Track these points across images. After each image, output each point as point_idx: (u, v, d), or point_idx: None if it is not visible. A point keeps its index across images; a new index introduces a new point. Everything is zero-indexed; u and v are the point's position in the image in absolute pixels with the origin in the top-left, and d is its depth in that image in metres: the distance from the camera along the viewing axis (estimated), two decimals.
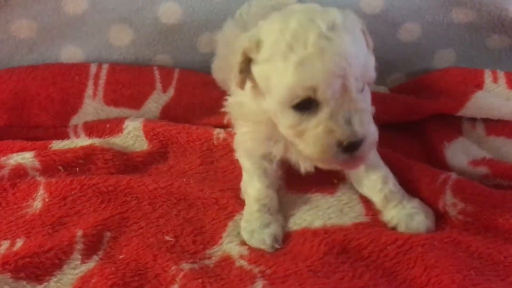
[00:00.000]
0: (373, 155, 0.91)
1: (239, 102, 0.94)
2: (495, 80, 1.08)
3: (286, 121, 0.80)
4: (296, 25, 0.77)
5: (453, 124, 1.07)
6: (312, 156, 0.79)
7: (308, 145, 0.78)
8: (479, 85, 1.08)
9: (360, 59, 0.76)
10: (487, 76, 1.09)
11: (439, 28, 1.21)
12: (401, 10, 1.20)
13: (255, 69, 0.82)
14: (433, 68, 1.25)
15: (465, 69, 1.13)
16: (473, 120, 1.08)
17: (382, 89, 1.23)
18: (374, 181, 0.90)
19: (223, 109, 1.01)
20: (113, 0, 1.16)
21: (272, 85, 0.79)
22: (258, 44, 0.80)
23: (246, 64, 0.82)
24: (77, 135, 1.16)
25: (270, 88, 0.80)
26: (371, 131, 0.78)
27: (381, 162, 0.92)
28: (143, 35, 1.20)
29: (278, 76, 0.77)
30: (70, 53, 1.21)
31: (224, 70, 1.08)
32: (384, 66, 1.28)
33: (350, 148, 0.76)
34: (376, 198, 0.91)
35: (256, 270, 0.82)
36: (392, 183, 0.91)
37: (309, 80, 0.74)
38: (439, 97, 1.07)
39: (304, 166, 0.91)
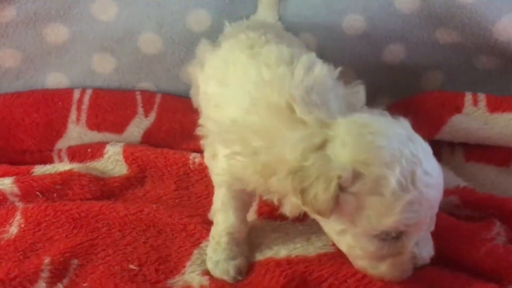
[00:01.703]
0: None
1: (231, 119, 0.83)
2: (475, 103, 1.05)
3: (367, 247, 0.75)
4: (402, 160, 0.70)
5: (432, 150, 1.04)
6: (390, 278, 0.77)
7: (387, 269, 0.76)
8: (458, 109, 1.05)
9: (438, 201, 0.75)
10: (467, 99, 1.06)
11: (424, 49, 1.19)
12: (384, 31, 1.18)
13: (344, 197, 0.71)
14: (420, 90, 1.23)
15: (446, 93, 1.11)
16: (452, 146, 1.05)
17: (379, 112, 1.21)
18: None
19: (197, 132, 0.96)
20: (93, 30, 1.18)
21: (364, 216, 0.72)
22: (356, 176, 0.70)
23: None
24: (60, 159, 1.19)
25: (361, 218, 0.72)
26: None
27: None
28: (126, 63, 1.22)
29: (382, 211, 0.71)
30: (56, 80, 1.23)
31: (195, 90, 1.07)
32: (370, 89, 1.31)
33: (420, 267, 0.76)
34: None
35: None
36: None
37: (415, 218, 0.71)
38: (416, 121, 1.04)
39: (290, 210, 0.80)
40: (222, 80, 0.89)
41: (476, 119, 1.02)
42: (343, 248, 0.79)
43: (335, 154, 0.71)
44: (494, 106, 1.03)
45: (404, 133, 0.74)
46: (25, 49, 1.18)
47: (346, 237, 0.75)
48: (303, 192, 0.72)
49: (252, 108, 0.79)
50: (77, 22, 1.17)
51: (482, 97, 1.06)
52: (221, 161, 0.84)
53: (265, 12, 1.19)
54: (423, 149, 0.73)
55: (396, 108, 1.14)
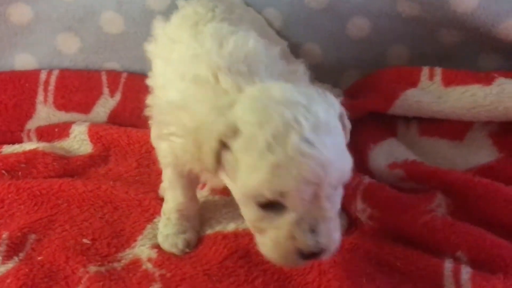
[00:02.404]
0: None
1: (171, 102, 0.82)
2: (431, 77, 1.05)
3: (248, 213, 0.72)
4: (278, 122, 0.67)
5: (387, 126, 1.05)
6: (274, 260, 0.72)
7: (267, 245, 0.71)
8: (414, 83, 1.05)
9: (339, 165, 0.68)
10: (424, 73, 1.06)
11: (387, 22, 1.17)
12: (346, 3, 1.16)
13: (227, 156, 0.71)
14: (387, 66, 1.22)
15: (403, 68, 1.10)
16: (408, 120, 1.05)
17: (337, 92, 1.21)
18: None
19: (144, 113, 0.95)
20: (55, 9, 1.19)
21: (240, 177, 0.70)
22: (235, 132, 0.69)
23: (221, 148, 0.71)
24: (29, 139, 1.21)
25: (237, 178, 0.71)
26: (335, 240, 0.71)
27: None
28: (90, 43, 1.23)
29: (249, 171, 0.68)
30: (24, 61, 1.25)
31: None
32: (336, 64, 1.31)
33: (310, 257, 0.70)
34: None
35: (157, 273, 0.84)
36: None
37: (280, 185, 0.66)
38: (370, 96, 1.05)
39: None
40: (167, 59, 0.89)
41: (430, 93, 1.02)
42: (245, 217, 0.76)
43: (233, 115, 0.70)
44: (449, 80, 1.03)
45: (302, 102, 0.69)
46: None
47: (239, 202, 0.74)
48: (198, 149, 0.72)
49: (183, 86, 0.80)
50: (40, 1, 1.18)
51: (438, 71, 1.06)
52: (164, 142, 0.85)
53: None
54: (317, 121, 0.67)
55: (357, 85, 1.15)
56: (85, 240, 0.92)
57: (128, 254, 0.90)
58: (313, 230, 0.68)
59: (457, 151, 1.00)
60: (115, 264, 0.88)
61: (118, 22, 1.21)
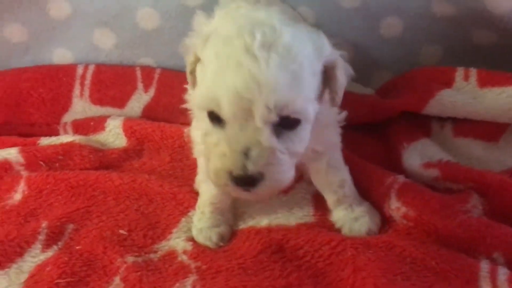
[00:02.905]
0: (337, 156, 0.90)
1: None
2: (466, 78, 1.04)
3: (201, 128, 0.74)
4: (232, 30, 0.68)
5: (421, 126, 1.05)
6: (211, 180, 0.72)
7: (211, 164, 0.70)
8: (448, 83, 1.04)
9: (280, 88, 0.65)
10: (459, 74, 1.06)
11: (422, 22, 1.16)
12: (380, 3, 1.16)
13: (198, 69, 0.74)
14: (419, 66, 1.21)
15: (438, 68, 1.10)
16: (442, 121, 1.05)
17: (368, 91, 1.21)
18: (331, 183, 0.90)
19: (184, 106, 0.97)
20: (93, 5, 1.21)
21: (200, 84, 0.73)
22: (205, 43, 0.72)
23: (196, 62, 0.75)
24: (65, 132, 1.24)
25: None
26: (273, 173, 0.68)
27: (342, 165, 0.91)
28: (125, 39, 1.25)
29: (201, 79, 0.72)
30: (61, 55, 1.28)
31: None
32: (368, 64, 1.31)
33: (241, 182, 0.68)
34: (329, 199, 0.92)
35: (193, 265, 0.86)
36: (348, 187, 0.90)
37: (214, 92, 0.67)
38: (404, 96, 1.05)
39: None
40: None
41: (465, 93, 1.01)
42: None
43: (208, 28, 0.74)
44: (485, 81, 1.02)
45: (274, 24, 0.68)
46: (31, 24, 1.23)
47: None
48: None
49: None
50: None
51: (473, 72, 1.05)
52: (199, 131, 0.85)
53: None
54: (274, 41, 0.66)
55: (390, 84, 1.15)
56: (121, 231, 0.95)
57: (164, 246, 0.92)
58: (245, 153, 0.66)
59: (491, 153, 0.99)
60: (152, 255, 0.90)
61: (154, 18, 1.23)
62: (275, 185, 0.70)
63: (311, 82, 0.69)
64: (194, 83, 0.78)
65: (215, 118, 0.70)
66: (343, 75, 0.73)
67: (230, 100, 0.66)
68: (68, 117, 1.26)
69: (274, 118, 0.66)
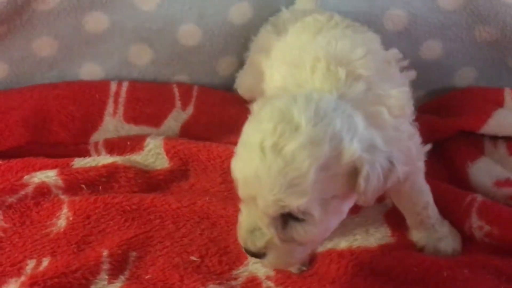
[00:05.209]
0: (420, 179, 0.87)
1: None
2: None
3: None
4: (263, 118, 0.69)
5: (475, 144, 1.07)
6: None
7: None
8: (500, 103, 1.08)
9: (278, 193, 0.65)
10: (507, 94, 1.10)
11: (461, 46, 1.20)
12: (423, 27, 1.18)
13: None
14: (453, 86, 1.24)
15: (485, 88, 1.14)
16: (494, 140, 1.08)
17: None
18: (414, 205, 0.88)
19: None
20: (133, 20, 1.16)
21: None
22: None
23: None
24: (98, 152, 1.16)
25: None
26: (274, 258, 0.71)
27: (425, 186, 0.88)
28: (163, 55, 1.20)
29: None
30: (89, 70, 1.21)
31: (254, 77, 1.06)
32: None
33: (249, 253, 0.74)
34: (411, 220, 0.91)
35: None
36: (431, 208, 0.89)
37: (233, 170, 0.71)
38: (461, 115, 1.07)
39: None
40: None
41: None
42: None
43: None
44: None
45: (299, 121, 0.67)
46: (63, 37, 1.15)
47: None
48: None
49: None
50: (118, 10, 1.14)
51: None
52: None
53: (304, 3, 1.19)
54: (285, 137, 0.66)
55: (439, 103, 1.17)
56: (193, 258, 0.90)
57: (243, 272, 0.87)
58: (252, 230, 0.71)
59: None
60: (233, 282, 0.85)
61: (196, 34, 1.19)
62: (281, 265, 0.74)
63: (322, 184, 0.66)
64: None
65: None
66: (369, 181, 0.67)
67: (241, 185, 0.70)
68: (97, 137, 1.18)
69: (273, 213, 0.68)
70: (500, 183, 0.96)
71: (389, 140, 0.71)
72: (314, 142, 0.65)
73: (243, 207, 0.73)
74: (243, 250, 0.74)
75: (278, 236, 0.69)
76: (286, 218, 0.69)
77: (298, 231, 0.69)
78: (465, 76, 1.25)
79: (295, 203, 0.66)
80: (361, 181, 0.67)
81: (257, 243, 0.71)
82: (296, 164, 0.65)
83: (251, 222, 0.71)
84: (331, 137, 0.66)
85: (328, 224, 0.72)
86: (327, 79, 0.74)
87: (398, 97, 0.77)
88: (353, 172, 0.67)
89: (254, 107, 0.75)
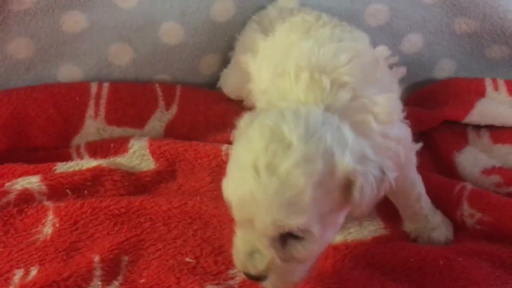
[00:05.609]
0: (413, 173, 0.88)
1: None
2: (496, 88, 1.11)
3: None
4: (254, 137, 0.67)
5: (459, 134, 1.09)
6: None
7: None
8: (482, 93, 1.11)
9: (277, 213, 0.64)
10: (488, 84, 1.13)
11: (441, 38, 1.22)
12: (404, 21, 1.20)
13: None
14: (433, 79, 1.26)
15: (467, 79, 1.16)
16: (477, 129, 1.10)
17: None
18: (408, 197, 0.89)
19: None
20: (113, 18, 1.13)
21: None
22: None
23: None
24: (80, 156, 1.12)
25: None
26: (274, 279, 0.69)
27: (418, 178, 0.89)
28: (144, 54, 1.18)
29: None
30: (68, 72, 1.17)
31: (240, 77, 1.05)
32: None
33: (248, 277, 0.71)
34: (405, 212, 0.92)
35: None
36: (424, 199, 0.90)
37: (225, 193, 0.70)
38: (445, 106, 1.09)
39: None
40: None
41: (500, 102, 1.08)
42: None
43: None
44: None
45: (291, 140, 0.65)
46: (40, 38, 1.11)
47: None
48: None
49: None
50: (97, 9, 1.11)
51: (501, 82, 1.13)
52: None
53: (287, 0, 1.18)
54: (277, 156, 0.64)
55: (422, 94, 1.19)
56: (187, 259, 0.88)
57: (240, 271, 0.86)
58: (250, 255, 0.69)
59: None
60: (230, 282, 0.84)
61: (178, 32, 1.17)
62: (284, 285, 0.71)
63: (319, 201, 0.66)
64: None
65: None
66: (363, 192, 0.67)
67: (236, 208, 0.68)
68: (79, 140, 1.15)
69: (271, 234, 0.67)
70: (487, 171, 0.98)
71: (378, 148, 0.71)
72: (307, 159, 0.64)
73: (238, 230, 0.71)
74: (243, 274, 0.71)
75: (278, 257, 0.68)
76: (285, 238, 0.68)
77: (298, 249, 0.68)
78: (445, 68, 1.27)
79: (294, 223, 0.65)
80: (356, 193, 0.66)
81: (258, 266, 0.69)
82: (292, 183, 0.64)
83: (249, 244, 0.69)
84: (323, 152, 0.65)
85: (326, 238, 0.71)
86: (311, 89, 0.72)
87: (385, 104, 0.76)
88: (347, 185, 0.66)
89: (241, 124, 0.73)
